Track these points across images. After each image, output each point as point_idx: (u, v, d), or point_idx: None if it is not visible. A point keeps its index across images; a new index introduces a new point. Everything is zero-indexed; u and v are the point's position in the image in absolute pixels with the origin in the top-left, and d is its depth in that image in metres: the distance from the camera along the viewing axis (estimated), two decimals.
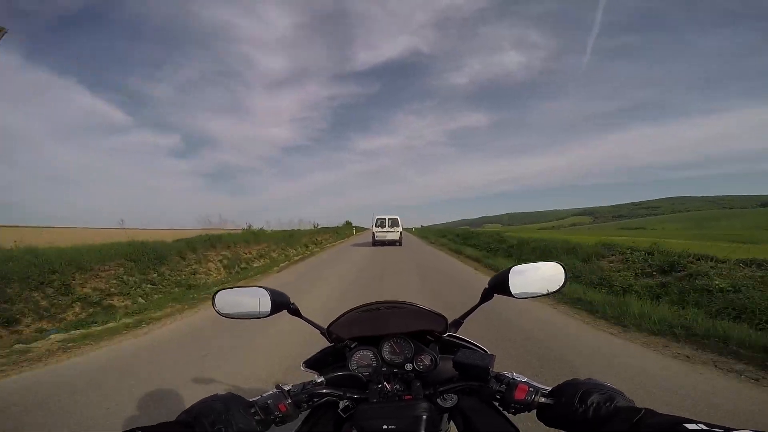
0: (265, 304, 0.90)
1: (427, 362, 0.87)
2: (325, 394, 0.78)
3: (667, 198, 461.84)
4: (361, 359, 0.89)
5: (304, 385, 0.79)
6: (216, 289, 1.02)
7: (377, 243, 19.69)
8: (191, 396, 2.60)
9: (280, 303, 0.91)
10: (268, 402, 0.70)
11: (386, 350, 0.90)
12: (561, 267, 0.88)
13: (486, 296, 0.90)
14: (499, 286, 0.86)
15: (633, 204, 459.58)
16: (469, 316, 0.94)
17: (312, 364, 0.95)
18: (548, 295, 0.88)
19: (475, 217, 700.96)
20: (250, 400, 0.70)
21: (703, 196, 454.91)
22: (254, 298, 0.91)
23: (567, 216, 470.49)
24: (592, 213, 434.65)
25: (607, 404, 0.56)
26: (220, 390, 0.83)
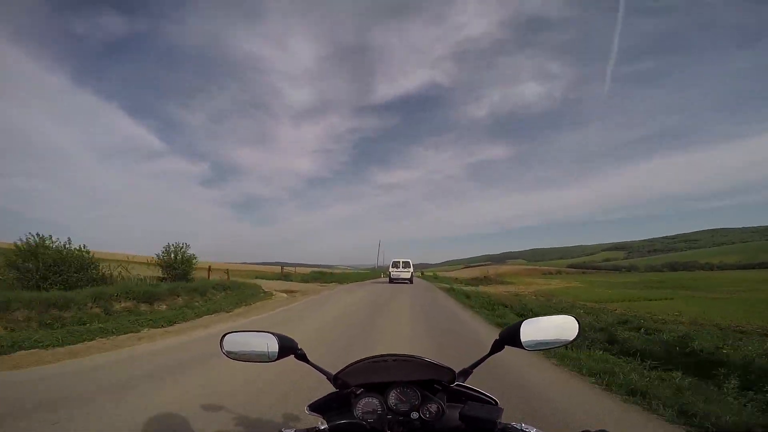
0: (273, 349, 0.92)
1: (433, 411, 0.85)
2: None
3: (705, 230, 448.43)
4: (367, 406, 0.88)
5: (307, 430, 0.80)
6: (225, 332, 1.02)
7: (393, 281, 23.81)
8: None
9: (288, 348, 0.93)
10: None
11: (392, 397, 0.89)
12: (574, 320, 0.89)
13: (496, 347, 0.91)
14: (510, 337, 0.87)
15: (668, 238, 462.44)
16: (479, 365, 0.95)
17: (317, 407, 0.95)
18: (559, 346, 0.93)
19: (497, 253, 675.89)
20: None
21: (742, 227, 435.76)
22: (262, 342, 0.93)
23: (596, 251, 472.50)
24: (625, 248, 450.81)
25: None
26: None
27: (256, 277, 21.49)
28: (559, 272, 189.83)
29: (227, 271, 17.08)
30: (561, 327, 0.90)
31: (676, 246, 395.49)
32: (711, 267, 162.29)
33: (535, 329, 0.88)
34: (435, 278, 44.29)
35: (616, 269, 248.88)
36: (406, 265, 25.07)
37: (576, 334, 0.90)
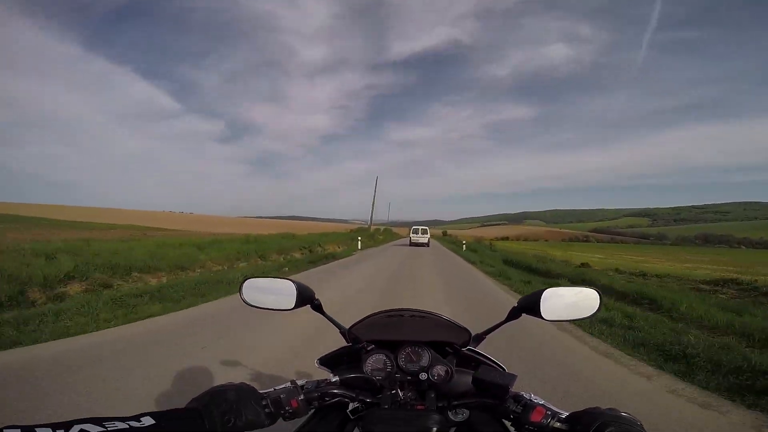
0: (291, 297, 0.92)
1: (442, 374, 0.86)
2: (338, 395, 0.79)
3: (736, 203, 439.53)
4: (376, 363, 0.89)
5: (318, 382, 0.80)
6: (244, 276, 1.02)
7: (413, 244, 28.32)
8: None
9: (305, 297, 0.92)
10: (281, 396, 0.71)
11: (402, 357, 0.90)
12: (597, 293, 0.88)
13: (513, 315, 0.89)
14: (529, 306, 0.86)
15: (695, 207, 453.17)
16: (491, 333, 0.92)
17: (326, 361, 0.95)
18: (579, 320, 0.89)
19: (514, 212, 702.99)
20: (263, 392, 0.71)
21: None
22: (281, 289, 0.94)
23: (618, 216, 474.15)
24: (650, 215, 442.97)
25: None
26: (240, 377, 0.90)
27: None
28: (586, 239, 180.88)
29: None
30: (582, 300, 0.88)
31: (705, 216, 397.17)
32: (752, 243, 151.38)
33: (556, 300, 0.86)
34: (455, 244, 35.01)
35: (644, 237, 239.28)
36: (425, 231, 29.42)
37: (597, 307, 0.87)
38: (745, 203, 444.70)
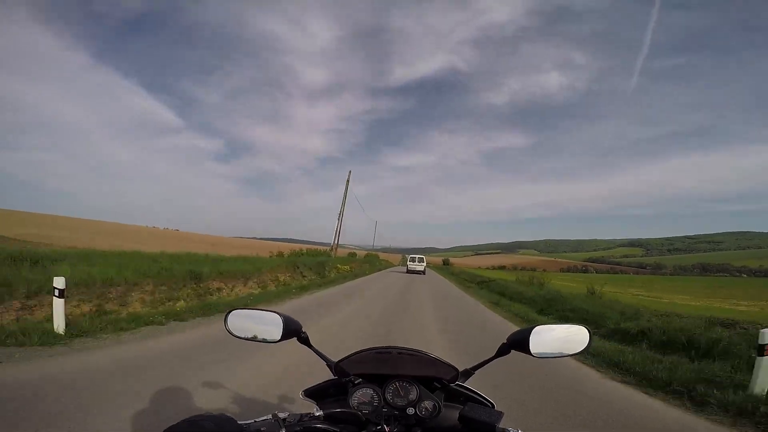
0: (277, 330, 0.89)
1: (429, 408, 0.85)
2: (321, 430, 0.76)
3: (728, 233, 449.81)
4: (363, 396, 0.87)
5: (301, 416, 0.78)
6: (230, 308, 0.98)
7: (410, 271, 29.69)
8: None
9: (292, 330, 0.90)
10: (262, 429, 0.68)
11: (390, 391, 0.88)
12: (586, 330, 0.88)
13: (502, 351, 0.89)
14: (519, 343, 0.85)
15: (687, 237, 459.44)
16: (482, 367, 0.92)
17: (312, 393, 0.94)
18: (568, 356, 0.88)
19: (508, 242, 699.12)
20: (242, 422, 0.68)
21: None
22: (266, 322, 0.92)
23: (612, 246, 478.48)
24: (643, 245, 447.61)
25: None
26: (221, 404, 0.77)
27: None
28: (585, 269, 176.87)
29: None
30: (572, 337, 0.88)
31: (698, 246, 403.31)
32: (752, 271, 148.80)
33: (545, 337, 0.86)
34: (468, 282, 25.15)
35: (641, 267, 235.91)
36: (421, 260, 30.79)
37: (586, 345, 0.88)
38: (737, 233, 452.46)
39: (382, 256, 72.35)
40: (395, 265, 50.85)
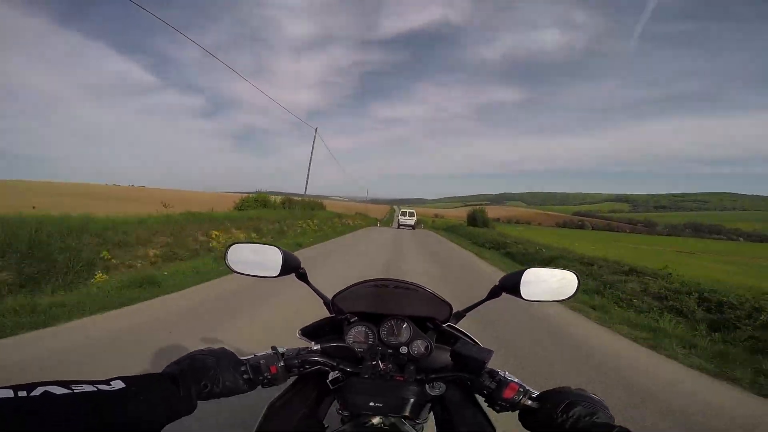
0: (276, 264, 0.88)
1: (422, 349, 0.88)
2: (318, 362, 0.78)
3: (714, 192, 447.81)
4: (358, 334, 0.90)
5: (299, 350, 0.80)
6: (231, 242, 0.96)
7: (401, 226, 30.10)
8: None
9: (291, 266, 0.90)
10: (261, 362, 0.70)
11: (385, 330, 0.91)
12: (575, 276, 0.91)
13: (494, 293, 0.90)
14: (510, 286, 0.87)
15: (673, 195, 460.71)
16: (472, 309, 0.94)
17: (308, 332, 0.96)
18: (557, 302, 0.91)
19: (495, 193, 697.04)
20: (242, 358, 0.70)
21: (753, 194, 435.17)
22: (266, 257, 0.90)
23: (598, 200, 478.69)
24: (629, 201, 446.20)
25: (587, 418, 0.56)
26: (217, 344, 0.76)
27: None
28: (581, 224, 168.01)
29: None
30: (561, 282, 0.90)
31: (684, 205, 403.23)
32: (747, 235, 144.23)
33: (536, 281, 0.88)
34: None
35: (631, 223, 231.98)
36: (411, 214, 31.81)
37: (575, 290, 0.90)
38: (722, 193, 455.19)
39: (365, 208, 62.44)
40: (377, 224, 38.93)
